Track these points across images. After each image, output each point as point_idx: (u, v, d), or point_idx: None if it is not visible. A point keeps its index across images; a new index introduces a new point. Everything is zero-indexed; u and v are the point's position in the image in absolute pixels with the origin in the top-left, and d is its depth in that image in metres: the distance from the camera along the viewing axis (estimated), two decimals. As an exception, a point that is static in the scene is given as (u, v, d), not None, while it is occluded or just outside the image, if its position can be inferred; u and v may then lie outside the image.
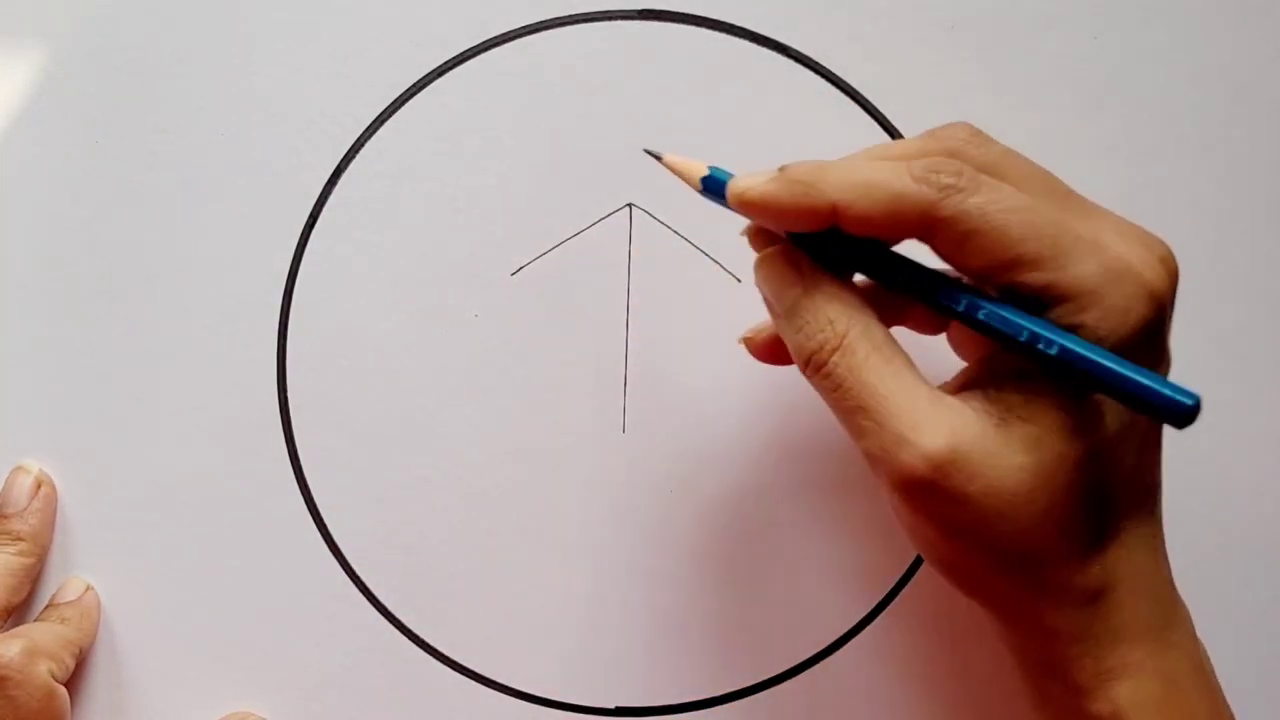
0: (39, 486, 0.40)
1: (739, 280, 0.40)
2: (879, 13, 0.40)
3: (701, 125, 0.40)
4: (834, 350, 0.30)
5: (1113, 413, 0.30)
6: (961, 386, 0.31)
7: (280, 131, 0.40)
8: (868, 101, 0.40)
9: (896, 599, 0.40)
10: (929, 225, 0.30)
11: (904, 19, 0.40)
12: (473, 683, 0.40)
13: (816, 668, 0.40)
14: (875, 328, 0.31)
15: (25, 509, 0.39)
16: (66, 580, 0.40)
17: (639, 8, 0.40)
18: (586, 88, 0.40)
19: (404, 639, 0.40)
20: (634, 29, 0.40)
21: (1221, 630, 0.40)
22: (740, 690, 0.40)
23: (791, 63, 0.40)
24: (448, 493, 0.40)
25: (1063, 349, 0.28)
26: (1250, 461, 0.40)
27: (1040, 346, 0.28)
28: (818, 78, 0.40)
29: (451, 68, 0.40)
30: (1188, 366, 0.40)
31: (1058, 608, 0.30)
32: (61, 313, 0.40)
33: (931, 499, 0.29)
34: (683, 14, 0.40)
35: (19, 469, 0.40)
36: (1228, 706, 0.32)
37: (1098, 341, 0.29)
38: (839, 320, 0.30)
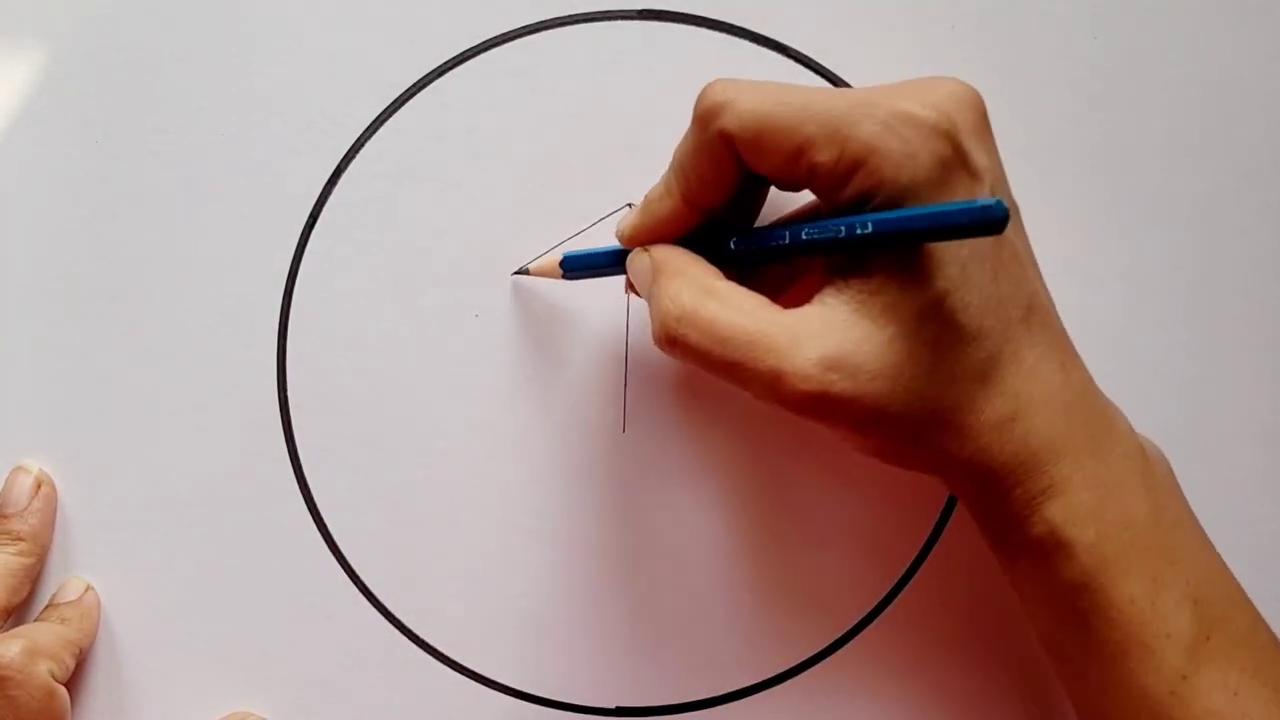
0: (39, 486, 0.40)
1: (739, 280, 0.40)
2: (879, 13, 0.40)
3: (701, 125, 0.40)
4: (678, 319, 0.31)
5: (948, 253, 0.30)
6: (813, 295, 0.32)
7: (280, 131, 0.40)
8: (868, 101, 0.40)
9: (896, 599, 0.40)
10: (733, 147, 0.31)
11: (904, 19, 0.40)
12: (473, 683, 0.40)
13: (816, 668, 0.40)
14: (717, 284, 0.32)
15: (25, 509, 0.39)
16: (66, 580, 0.40)
17: (639, 8, 0.40)
18: (586, 88, 0.40)
19: (404, 639, 0.40)
20: (634, 29, 0.40)
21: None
22: (740, 690, 0.40)
23: (791, 63, 0.40)
24: (448, 493, 0.40)
25: (875, 222, 0.29)
26: (1250, 460, 0.40)
27: (859, 231, 0.30)
28: (818, 78, 0.40)
29: (451, 68, 0.40)
30: (1188, 366, 0.40)
31: (979, 449, 0.31)
32: (61, 313, 0.40)
33: (829, 408, 0.30)
34: (683, 14, 0.40)
35: (19, 469, 0.40)
36: (1179, 500, 0.33)
37: (898, 191, 0.29)
38: (680, 293, 0.32)
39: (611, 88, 0.40)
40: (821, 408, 0.30)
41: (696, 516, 0.40)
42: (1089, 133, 0.40)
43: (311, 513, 0.40)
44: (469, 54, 0.40)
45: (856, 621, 0.40)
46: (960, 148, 0.30)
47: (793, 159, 0.31)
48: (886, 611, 0.40)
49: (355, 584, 0.40)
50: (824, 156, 0.30)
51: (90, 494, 0.40)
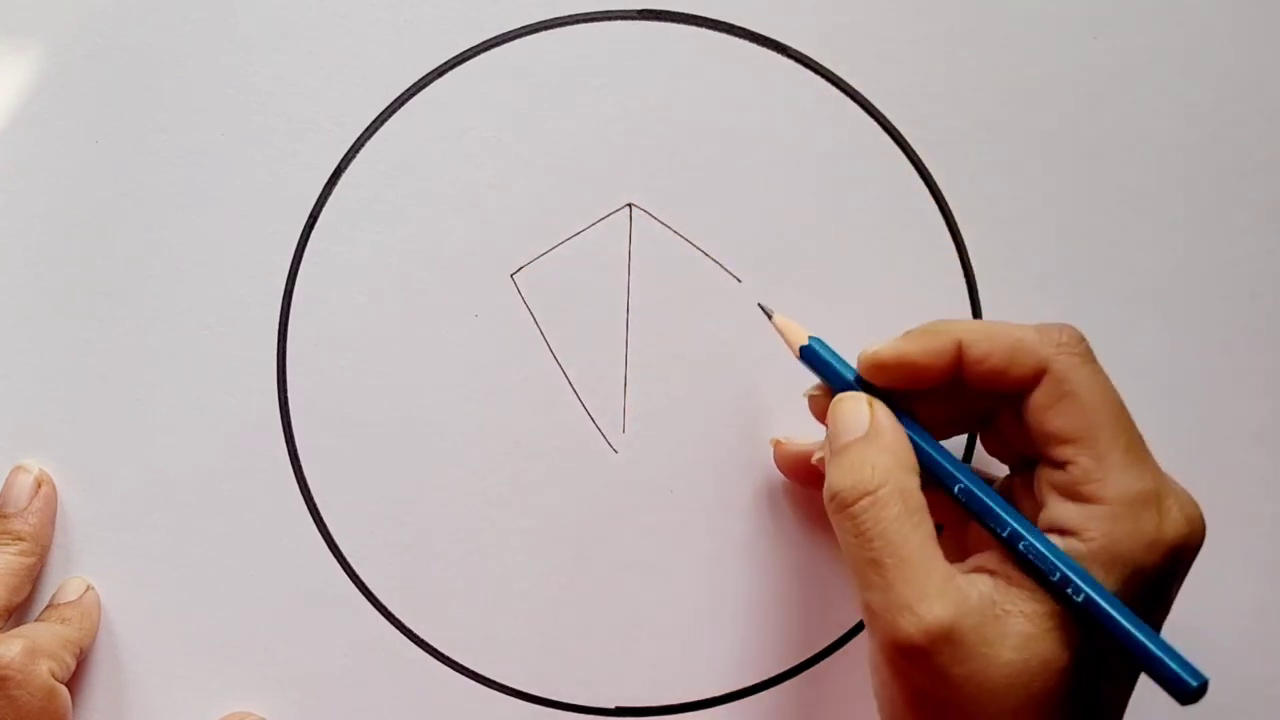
0: (39, 486, 0.40)
1: (739, 280, 0.40)
2: (879, 13, 0.40)
3: (701, 125, 0.40)
4: (864, 494, 0.31)
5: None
6: (977, 566, 0.32)
7: (280, 131, 0.40)
8: (868, 101, 0.40)
9: (896, 599, 0.40)
10: (1039, 377, 0.31)
11: (904, 19, 0.40)
12: (473, 683, 0.40)
13: (816, 668, 0.40)
14: (914, 492, 0.32)
15: (25, 509, 0.39)
16: (66, 580, 0.40)
17: (639, 8, 0.40)
18: (586, 88, 0.40)
19: (404, 639, 0.40)
20: (634, 29, 0.40)
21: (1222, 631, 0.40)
22: (740, 690, 0.40)
23: (791, 63, 0.40)
24: (447, 493, 0.40)
25: (1088, 598, 0.29)
26: (1248, 462, 0.40)
27: (1067, 590, 0.30)
28: (818, 78, 0.40)
29: (451, 68, 0.40)
30: (1187, 364, 0.40)
31: None
32: (62, 313, 0.40)
33: (918, 669, 0.30)
34: (683, 14, 0.40)
35: (19, 469, 0.40)
36: None
37: (1117, 563, 0.30)
38: (880, 471, 0.32)
39: (611, 88, 0.40)
40: (913, 661, 0.30)
41: (697, 516, 0.40)
42: (1089, 133, 0.40)
43: (311, 513, 0.40)
44: (469, 54, 0.40)
45: (856, 621, 0.40)
46: (1166, 571, 0.31)
47: (1063, 442, 0.31)
48: (886, 611, 0.40)
49: (355, 584, 0.40)
50: (1086, 471, 0.31)
51: (90, 494, 0.40)
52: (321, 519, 0.40)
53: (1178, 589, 0.32)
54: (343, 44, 0.40)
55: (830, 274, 0.40)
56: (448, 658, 0.40)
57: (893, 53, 0.40)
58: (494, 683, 0.40)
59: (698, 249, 0.40)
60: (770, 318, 0.37)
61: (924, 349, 0.33)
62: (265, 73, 0.40)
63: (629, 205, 0.40)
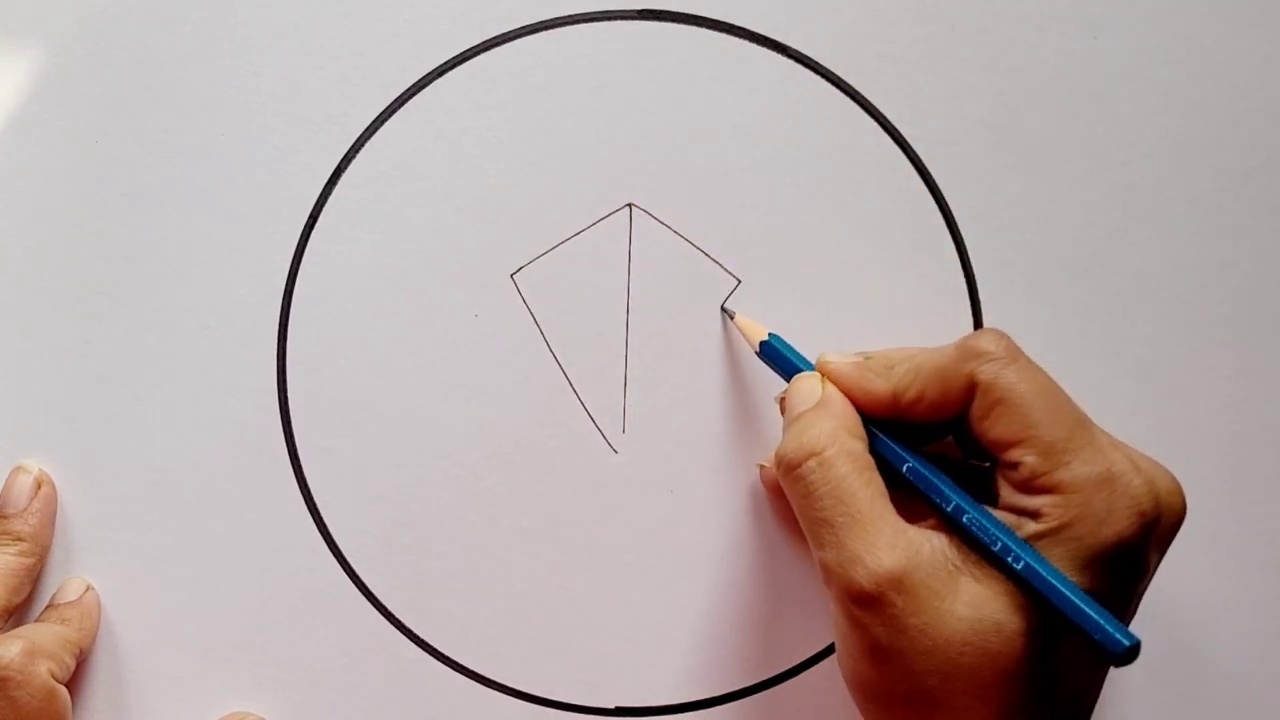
0: (39, 486, 0.40)
1: (739, 280, 0.40)
2: (879, 13, 0.40)
3: (701, 125, 0.40)
4: (811, 455, 0.33)
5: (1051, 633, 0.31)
6: (936, 520, 0.33)
7: (280, 131, 0.40)
8: (868, 101, 0.40)
9: (896, 599, 0.40)
10: (971, 393, 0.32)
11: (904, 19, 0.40)
12: (473, 683, 0.40)
13: (817, 667, 0.40)
14: (861, 453, 0.33)
15: (25, 509, 0.39)
16: (66, 580, 0.40)
17: (639, 8, 0.40)
18: (586, 88, 0.40)
19: (404, 639, 0.40)
20: (634, 29, 0.40)
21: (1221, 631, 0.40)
22: (740, 690, 0.40)
23: (791, 63, 0.40)
24: (448, 493, 0.40)
25: (1027, 565, 0.30)
26: (1253, 461, 0.40)
27: (1008, 559, 0.31)
28: (818, 78, 0.40)
29: (451, 68, 0.40)
30: (1186, 364, 0.40)
31: None
32: (61, 313, 0.40)
33: (874, 618, 0.31)
34: (683, 14, 0.40)
35: (19, 469, 0.40)
36: None
37: (1075, 540, 0.30)
38: (826, 433, 0.33)
39: (611, 88, 0.40)
40: (867, 609, 0.31)
41: (697, 516, 0.40)
42: (1089, 133, 0.40)
43: (311, 513, 0.40)
44: (469, 54, 0.40)
45: (856, 621, 0.40)
46: (1145, 544, 0.31)
47: (1008, 444, 0.32)
48: (886, 611, 0.40)
49: (355, 584, 0.40)
50: (1036, 466, 0.31)
51: (90, 494, 0.40)
52: (321, 519, 0.40)
53: (1158, 557, 0.32)
54: (343, 44, 0.40)
55: (830, 274, 0.40)
56: (447, 657, 0.40)
57: (893, 53, 0.40)
58: (494, 683, 0.40)
59: (698, 249, 0.40)
60: (732, 318, 0.39)
61: (861, 386, 0.34)
62: (265, 73, 0.40)
63: (629, 205, 0.40)
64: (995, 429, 0.32)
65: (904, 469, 0.34)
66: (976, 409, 0.33)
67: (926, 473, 0.33)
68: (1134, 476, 0.31)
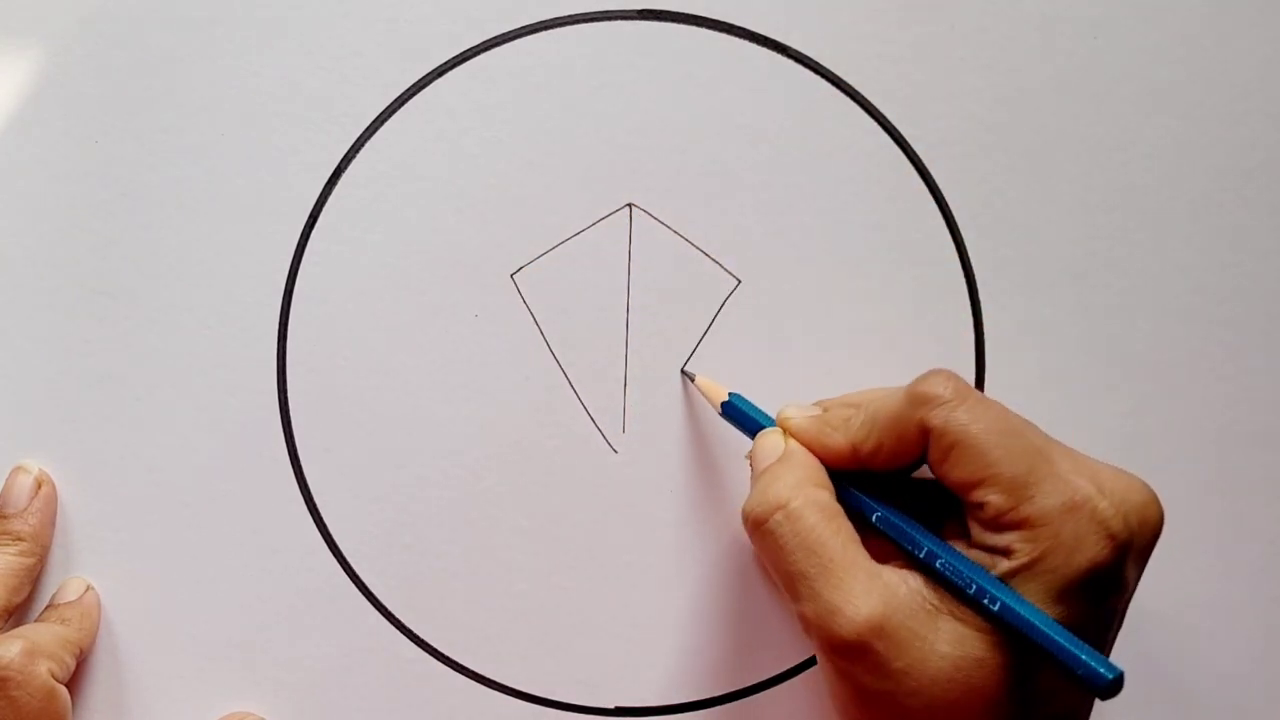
0: (39, 486, 0.40)
1: (739, 280, 0.40)
2: (879, 13, 0.40)
3: (701, 125, 0.40)
4: (777, 508, 0.32)
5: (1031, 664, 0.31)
6: (909, 563, 0.32)
7: (280, 131, 0.40)
8: (868, 101, 0.40)
9: (896, 599, 0.40)
10: (926, 438, 0.32)
11: (904, 19, 0.40)
12: (473, 683, 0.40)
13: (816, 667, 0.40)
14: (829, 502, 0.33)
15: (25, 509, 0.39)
16: (66, 580, 0.40)
17: (639, 8, 0.40)
18: (586, 88, 0.40)
19: (404, 639, 0.40)
20: (634, 29, 0.40)
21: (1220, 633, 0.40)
22: (740, 690, 0.40)
23: (791, 63, 0.40)
24: (448, 493, 0.40)
25: (1003, 606, 0.30)
26: (1259, 462, 0.40)
27: (984, 601, 0.30)
28: (818, 78, 0.40)
29: (451, 68, 0.40)
30: (1187, 364, 0.40)
31: None
32: (61, 313, 0.40)
33: (859, 667, 0.31)
34: (683, 14, 0.40)
35: (19, 469, 0.40)
36: None
37: (1049, 573, 0.30)
38: (790, 485, 0.33)
39: (611, 88, 0.40)
40: (850, 657, 0.31)
41: (696, 516, 0.40)
42: (1089, 133, 0.40)
43: (311, 513, 0.40)
44: (469, 54, 0.40)
45: (856, 621, 0.40)
46: (1121, 565, 0.31)
47: (971, 485, 0.32)
48: (886, 611, 0.40)
49: (355, 584, 0.40)
50: (1000, 503, 0.31)
51: (90, 494, 0.40)
52: (321, 519, 0.40)
53: (1138, 571, 0.32)
54: (343, 44, 0.40)
55: (830, 274, 0.40)
56: (447, 657, 0.40)
57: (893, 53, 0.40)
58: (494, 682, 0.40)
59: (698, 249, 0.40)
60: (693, 380, 0.39)
61: (826, 445, 0.34)
62: (265, 73, 0.40)
63: (629, 205, 0.40)
64: (955, 472, 0.32)
65: (874, 518, 0.33)
66: (933, 454, 0.32)
67: (896, 520, 0.33)
68: (1099, 500, 0.31)
